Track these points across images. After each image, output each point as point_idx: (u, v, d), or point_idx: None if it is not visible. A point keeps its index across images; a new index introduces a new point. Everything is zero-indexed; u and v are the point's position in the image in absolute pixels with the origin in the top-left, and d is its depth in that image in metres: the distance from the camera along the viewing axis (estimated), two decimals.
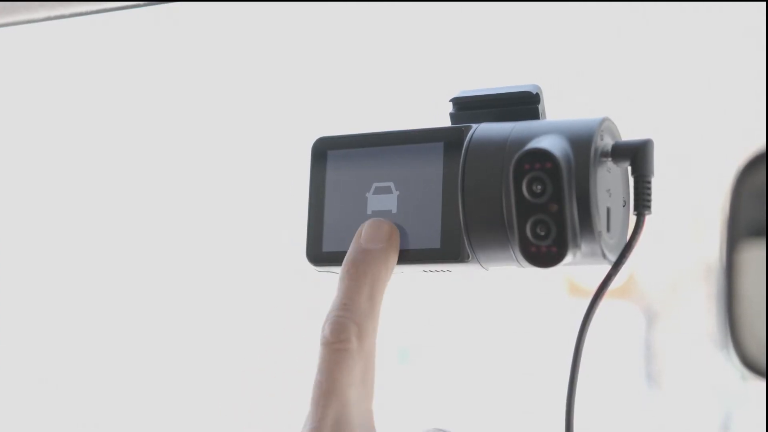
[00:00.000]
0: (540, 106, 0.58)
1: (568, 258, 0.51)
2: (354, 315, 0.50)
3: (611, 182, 0.55)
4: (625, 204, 0.57)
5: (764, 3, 2.65)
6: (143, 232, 4.31)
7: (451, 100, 0.60)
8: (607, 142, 0.54)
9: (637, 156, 0.54)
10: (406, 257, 0.57)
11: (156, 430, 4.22)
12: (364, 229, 0.54)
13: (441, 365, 4.72)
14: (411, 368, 4.69)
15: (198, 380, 4.23)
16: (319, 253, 0.59)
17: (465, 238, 0.55)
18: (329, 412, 0.48)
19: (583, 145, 0.52)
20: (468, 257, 0.55)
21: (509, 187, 0.52)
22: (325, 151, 0.60)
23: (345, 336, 0.49)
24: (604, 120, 0.54)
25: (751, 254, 0.50)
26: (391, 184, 0.57)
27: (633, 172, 0.54)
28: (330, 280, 0.62)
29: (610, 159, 0.54)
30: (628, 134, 0.56)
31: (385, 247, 0.53)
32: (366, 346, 0.50)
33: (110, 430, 4.22)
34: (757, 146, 0.51)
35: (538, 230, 0.51)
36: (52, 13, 0.75)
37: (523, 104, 0.58)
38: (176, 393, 4.26)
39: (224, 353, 4.14)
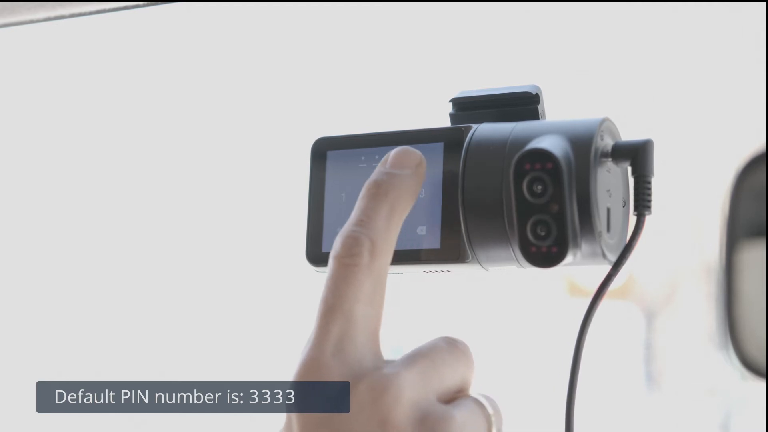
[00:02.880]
0: (540, 107, 0.58)
1: (569, 258, 0.51)
2: (369, 231, 0.48)
3: (611, 182, 0.55)
4: (625, 204, 0.57)
5: (764, 3, 2.65)
6: (142, 233, 4.30)
7: (451, 101, 0.60)
8: (608, 143, 0.54)
9: (637, 156, 0.54)
10: (406, 257, 0.57)
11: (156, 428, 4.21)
12: (392, 154, 0.51)
13: None
14: None
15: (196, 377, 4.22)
16: (319, 254, 0.59)
17: (465, 238, 0.55)
18: (333, 327, 0.46)
19: (584, 145, 0.52)
20: (468, 257, 0.55)
21: (509, 188, 0.52)
22: (324, 151, 0.60)
23: (357, 250, 0.47)
24: (604, 120, 0.54)
25: (751, 254, 0.50)
26: None
27: (633, 173, 0.54)
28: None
29: (610, 159, 0.54)
30: (628, 134, 0.56)
31: (411, 174, 0.51)
32: (378, 263, 0.48)
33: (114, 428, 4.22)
34: (757, 146, 0.51)
35: (538, 230, 0.51)
36: (52, 13, 0.75)
37: (522, 104, 0.58)
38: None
39: (223, 354, 4.14)
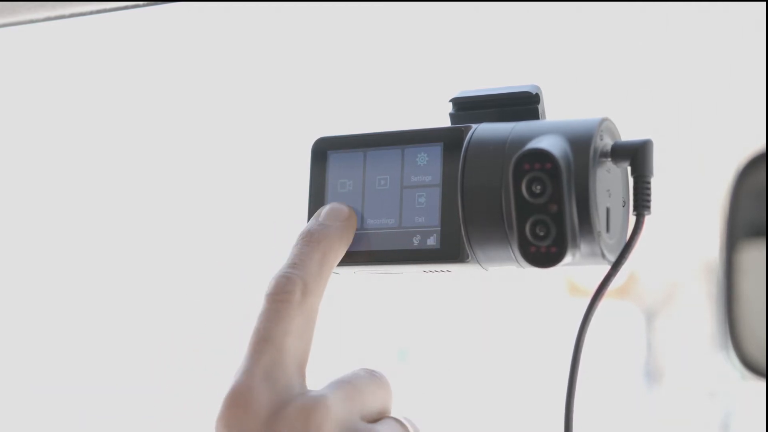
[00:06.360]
0: (540, 106, 0.58)
1: (568, 258, 0.51)
2: (301, 272, 0.51)
3: (611, 182, 0.55)
4: (625, 204, 0.57)
5: (764, 3, 2.65)
6: (141, 231, 4.30)
7: (450, 101, 0.60)
8: (607, 143, 0.54)
9: (636, 156, 0.54)
10: (406, 257, 0.57)
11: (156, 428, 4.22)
12: (324, 209, 0.56)
13: (440, 365, 4.72)
14: (410, 367, 4.69)
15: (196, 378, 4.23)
16: None
17: (465, 238, 0.55)
18: (263, 357, 0.48)
19: (583, 145, 0.52)
20: (468, 257, 0.55)
21: (509, 188, 0.52)
22: (325, 151, 0.60)
23: (289, 288, 0.50)
24: (603, 120, 0.54)
25: (751, 254, 0.50)
26: (391, 185, 0.57)
27: (633, 173, 0.54)
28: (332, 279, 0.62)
29: (609, 159, 0.54)
30: (628, 134, 0.56)
31: (342, 225, 0.55)
32: (309, 302, 0.50)
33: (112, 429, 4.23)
34: (757, 146, 0.51)
35: (537, 230, 0.51)
36: (52, 13, 0.75)
37: (522, 104, 0.58)
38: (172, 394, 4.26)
39: (222, 354, 4.14)
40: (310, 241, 0.52)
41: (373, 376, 0.51)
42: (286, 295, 0.50)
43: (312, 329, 0.51)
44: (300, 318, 0.50)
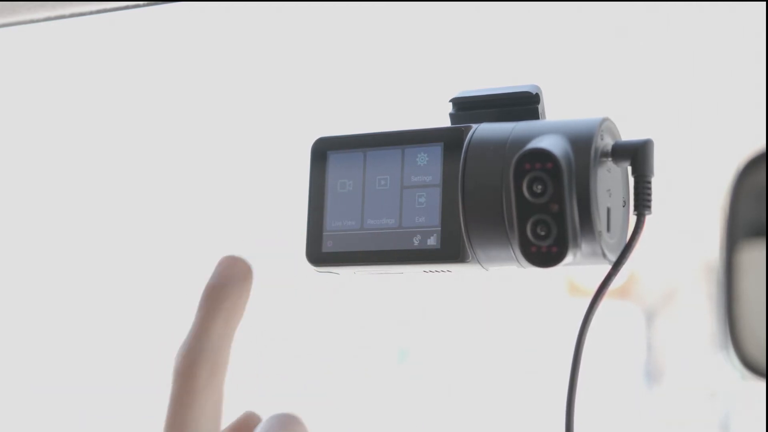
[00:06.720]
0: (540, 107, 0.58)
1: (569, 258, 0.51)
2: (207, 344, 0.49)
3: (611, 182, 0.55)
4: (625, 204, 0.57)
5: (764, 3, 2.65)
6: (142, 231, 4.30)
7: (451, 101, 0.60)
8: (608, 142, 0.54)
9: (637, 156, 0.54)
10: (407, 257, 0.57)
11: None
12: (222, 263, 0.53)
13: (441, 365, 4.72)
14: (410, 368, 4.69)
15: None
16: (319, 254, 0.59)
17: (465, 238, 0.55)
18: None
19: (584, 145, 0.52)
20: (468, 257, 0.55)
21: (510, 187, 0.52)
22: (325, 151, 0.60)
23: (196, 370, 0.49)
24: (604, 120, 0.54)
25: (751, 254, 0.50)
26: (391, 185, 0.58)
27: (633, 172, 0.54)
28: (331, 280, 0.62)
29: (610, 159, 0.54)
30: (628, 134, 0.56)
31: (243, 279, 0.52)
32: (218, 377, 0.49)
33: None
34: (757, 146, 0.51)
35: (538, 230, 0.51)
36: (52, 13, 0.75)
37: (522, 104, 0.58)
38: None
39: None
40: (212, 304, 0.50)
41: (289, 426, 0.49)
42: (194, 375, 0.48)
43: (222, 401, 0.50)
44: (211, 399, 0.49)
